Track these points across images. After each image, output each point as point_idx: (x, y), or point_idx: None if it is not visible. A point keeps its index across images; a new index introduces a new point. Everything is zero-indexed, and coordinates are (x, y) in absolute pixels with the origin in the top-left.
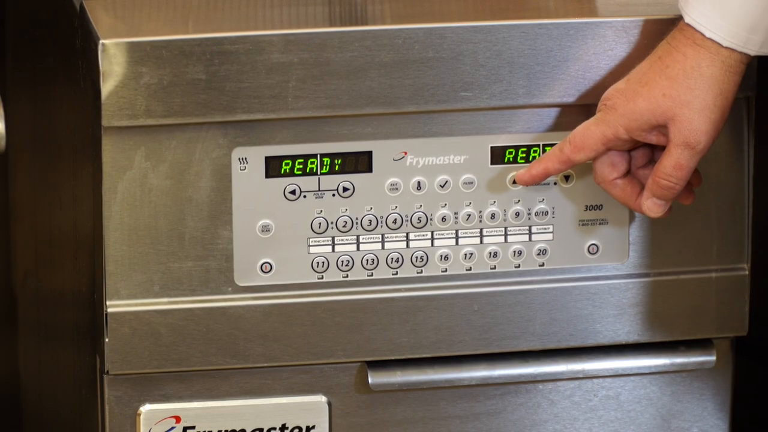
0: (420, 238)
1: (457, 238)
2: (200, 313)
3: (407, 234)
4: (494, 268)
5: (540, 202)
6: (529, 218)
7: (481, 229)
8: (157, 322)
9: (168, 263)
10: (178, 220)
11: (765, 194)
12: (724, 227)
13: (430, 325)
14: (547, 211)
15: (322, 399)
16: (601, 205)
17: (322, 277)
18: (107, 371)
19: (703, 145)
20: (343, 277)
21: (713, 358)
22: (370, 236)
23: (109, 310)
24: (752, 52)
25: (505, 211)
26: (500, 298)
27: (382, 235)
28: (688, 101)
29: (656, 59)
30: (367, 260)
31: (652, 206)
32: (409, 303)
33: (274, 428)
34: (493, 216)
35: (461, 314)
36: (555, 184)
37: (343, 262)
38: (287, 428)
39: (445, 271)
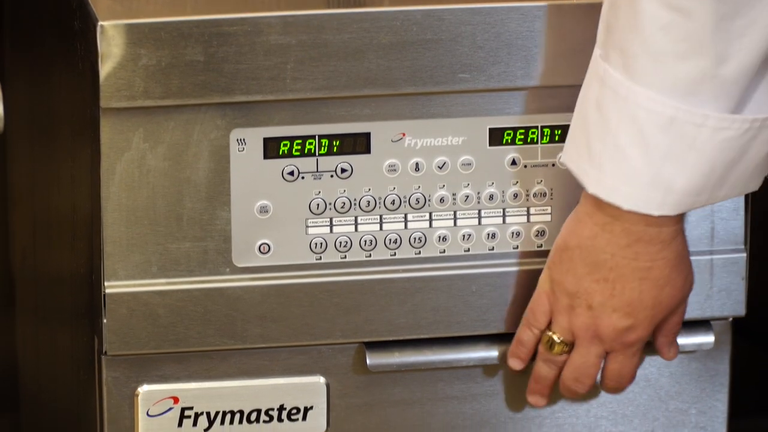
0: (418, 219)
1: (455, 219)
2: (198, 294)
3: (405, 215)
4: (492, 249)
5: (538, 183)
6: (528, 200)
7: (480, 210)
8: (155, 303)
9: (166, 244)
10: (176, 201)
11: None
12: (722, 209)
13: (428, 306)
14: (546, 193)
15: (320, 380)
16: None
17: (321, 258)
18: (105, 352)
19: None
20: (342, 258)
21: (712, 339)
22: (368, 217)
23: (107, 290)
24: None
25: (503, 192)
26: (499, 280)
27: (381, 216)
28: (682, 286)
29: (643, 278)
30: (366, 241)
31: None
32: (407, 284)
33: (272, 409)
34: (491, 197)
35: (459, 295)
36: (553, 165)
37: (341, 243)
38: (285, 409)
39: (444, 252)
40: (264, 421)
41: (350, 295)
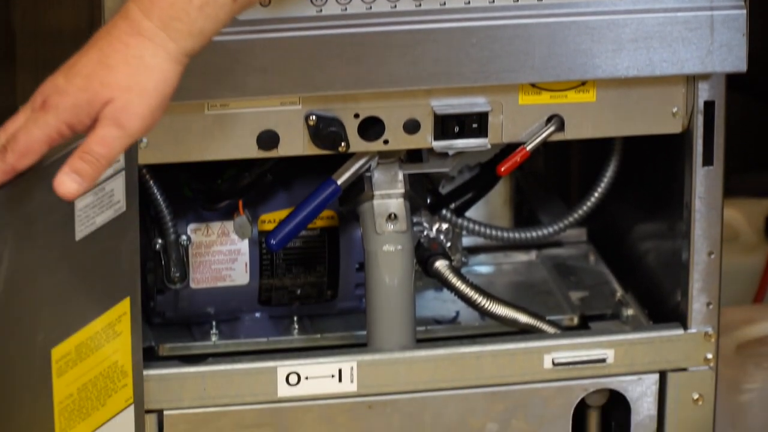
0: None
1: None
2: None
3: None
4: (493, 1)
5: None
6: None
7: None
8: None
9: None
10: None
11: None
12: None
13: (428, 58)
14: None
15: None
16: None
17: (321, 11)
18: None
19: (135, 129)
20: (342, 10)
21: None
22: None
23: None
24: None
25: None
26: (498, 32)
27: None
28: (127, 86)
29: (96, 50)
30: None
31: (65, 180)
32: (407, 36)
33: None
34: None
35: (459, 47)
36: None
37: None
38: None
39: (444, 4)
40: None
41: (351, 47)
